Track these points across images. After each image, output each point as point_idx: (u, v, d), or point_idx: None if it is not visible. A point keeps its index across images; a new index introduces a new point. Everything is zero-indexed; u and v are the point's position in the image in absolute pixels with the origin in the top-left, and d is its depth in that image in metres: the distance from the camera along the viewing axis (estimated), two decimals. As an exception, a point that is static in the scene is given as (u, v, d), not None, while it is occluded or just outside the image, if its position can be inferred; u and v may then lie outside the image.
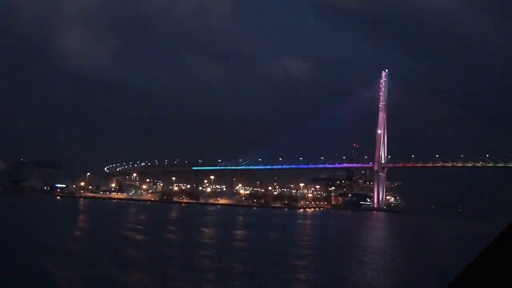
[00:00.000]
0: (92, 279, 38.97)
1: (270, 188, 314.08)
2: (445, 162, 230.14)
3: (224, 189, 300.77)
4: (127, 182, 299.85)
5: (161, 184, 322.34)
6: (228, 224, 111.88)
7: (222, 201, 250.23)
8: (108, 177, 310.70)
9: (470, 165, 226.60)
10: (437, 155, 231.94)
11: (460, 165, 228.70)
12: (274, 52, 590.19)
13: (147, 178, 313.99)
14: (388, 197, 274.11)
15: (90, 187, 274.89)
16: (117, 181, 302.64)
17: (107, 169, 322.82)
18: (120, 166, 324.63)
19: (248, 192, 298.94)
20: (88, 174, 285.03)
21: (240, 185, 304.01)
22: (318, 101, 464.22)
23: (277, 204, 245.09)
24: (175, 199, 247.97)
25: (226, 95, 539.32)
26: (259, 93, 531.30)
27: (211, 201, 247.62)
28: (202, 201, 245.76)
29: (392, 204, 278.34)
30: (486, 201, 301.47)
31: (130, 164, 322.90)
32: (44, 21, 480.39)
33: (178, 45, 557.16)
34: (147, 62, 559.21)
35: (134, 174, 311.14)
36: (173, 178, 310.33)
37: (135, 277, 39.98)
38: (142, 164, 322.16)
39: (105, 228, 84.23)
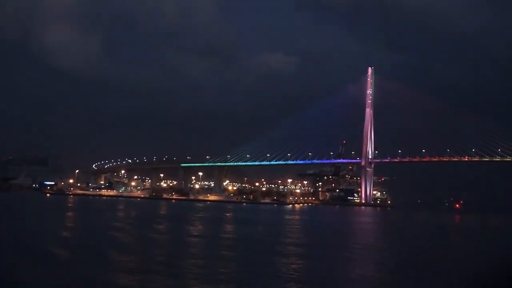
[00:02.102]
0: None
1: (258, 184, 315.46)
2: (431, 157, 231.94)
3: (212, 185, 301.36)
4: (115, 179, 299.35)
5: (149, 181, 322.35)
6: (219, 219, 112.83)
7: (211, 197, 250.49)
8: (97, 174, 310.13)
9: (456, 159, 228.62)
10: (423, 150, 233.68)
11: (446, 159, 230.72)
12: (258, 47, 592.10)
13: (135, 175, 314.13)
14: (374, 192, 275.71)
15: (78, 184, 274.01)
16: (105, 178, 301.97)
17: (95, 166, 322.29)
18: (108, 163, 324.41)
19: (236, 188, 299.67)
20: (77, 171, 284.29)
21: (227, 181, 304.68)
22: (304, 96, 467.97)
23: (266, 200, 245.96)
24: (164, 195, 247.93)
25: (211, 91, 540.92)
26: (245, 89, 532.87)
27: (200, 197, 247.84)
28: (192, 197, 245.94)
29: (379, 200, 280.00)
30: (474, 195, 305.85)
31: (118, 161, 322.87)
32: (26, 16, 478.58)
33: (161, 41, 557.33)
34: (131, 59, 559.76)
35: (122, 171, 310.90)
36: (161, 175, 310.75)
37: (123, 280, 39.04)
38: (130, 161, 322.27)
39: (97, 225, 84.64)
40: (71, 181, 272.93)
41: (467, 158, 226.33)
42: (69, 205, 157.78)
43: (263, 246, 64.31)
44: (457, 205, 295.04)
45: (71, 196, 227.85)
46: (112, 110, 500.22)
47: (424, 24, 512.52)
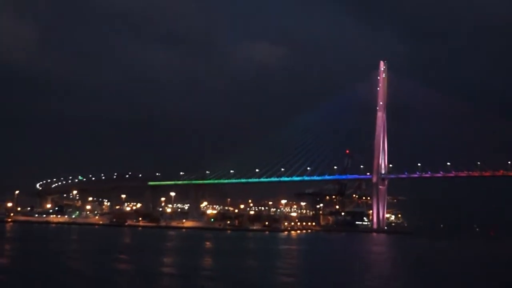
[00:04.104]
0: None
1: (243, 206, 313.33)
2: (458, 171, 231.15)
3: (187, 208, 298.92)
4: (66, 202, 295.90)
5: (108, 203, 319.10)
6: (195, 251, 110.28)
7: (188, 223, 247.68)
8: (42, 195, 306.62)
9: (489, 174, 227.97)
10: (448, 163, 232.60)
11: (477, 174, 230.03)
12: (238, 35, 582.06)
13: (90, 196, 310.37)
14: (388, 215, 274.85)
15: (19, 208, 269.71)
16: (53, 200, 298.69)
17: (39, 185, 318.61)
18: (57, 181, 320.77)
19: (217, 212, 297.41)
20: (17, 192, 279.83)
21: (206, 203, 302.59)
22: (299, 97, 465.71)
23: (255, 227, 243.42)
24: (129, 222, 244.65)
25: (182, 89, 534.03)
26: (222, 87, 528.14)
27: (174, 223, 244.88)
28: (163, 224, 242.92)
29: (393, 224, 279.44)
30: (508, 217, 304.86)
31: (69, 180, 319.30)
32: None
33: (118, 29, 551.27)
34: (82, 52, 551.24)
35: (74, 192, 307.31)
36: (123, 196, 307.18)
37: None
38: (84, 179, 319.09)
39: (42, 262, 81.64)
40: (9, 204, 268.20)
41: (502, 173, 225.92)
42: (7, 235, 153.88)
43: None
44: (492, 232, 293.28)
45: (10, 223, 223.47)
46: (58, 115, 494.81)
47: (452, 9, 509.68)
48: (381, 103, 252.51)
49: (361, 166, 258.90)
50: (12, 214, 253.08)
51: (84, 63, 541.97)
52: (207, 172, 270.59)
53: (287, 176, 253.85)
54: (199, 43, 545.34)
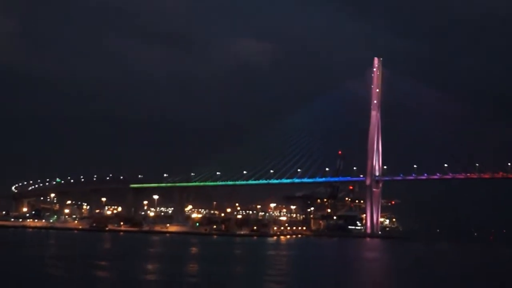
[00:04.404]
0: None
1: (230, 210, 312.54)
2: (456, 173, 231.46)
3: (171, 212, 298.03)
4: (43, 205, 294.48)
5: (88, 207, 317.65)
6: (180, 257, 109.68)
7: (172, 228, 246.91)
8: (18, 199, 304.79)
9: (488, 176, 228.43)
10: (445, 165, 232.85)
11: (475, 176, 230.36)
12: (227, 32, 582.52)
13: (69, 200, 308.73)
14: (382, 219, 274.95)
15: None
16: (29, 204, 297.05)
17: (15, 188, 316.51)
18: (33, 184, 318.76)
19: (202, 216, 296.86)
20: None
21: (191, 207, 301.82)
22: (289, 95, 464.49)
23: (243, 231, 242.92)
24: (110, 226, 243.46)
25: (168, 87, 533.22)
26: (210, 84, 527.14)
27: (157, 228, 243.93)
28: (146, 228, 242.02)
29: (388, 228, 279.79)
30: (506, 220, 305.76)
31: (47, 182, 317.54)
32: None
33: (104, 25, 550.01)
34: (65, 48, 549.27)
35: (52, 195, 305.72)
36: (104, 199, 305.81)
37: None
38: (62, 181, 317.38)
39: (18, 267, 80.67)
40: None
41: (502, 175, 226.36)
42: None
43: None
44: (492, 236, 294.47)
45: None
46: (36, 112, 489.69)
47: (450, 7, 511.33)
48: (375, 101, 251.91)
49: (354, 168, 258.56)
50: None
51: (68, 58, 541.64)
52: (192, 174, 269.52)
53: (276, 178, 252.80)
54: (184, 40, 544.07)
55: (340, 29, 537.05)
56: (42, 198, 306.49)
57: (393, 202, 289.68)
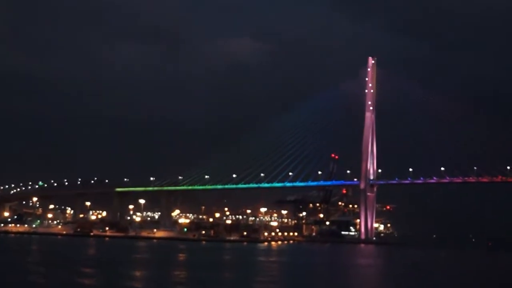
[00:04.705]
0: None
1: (219, 215, 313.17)
2: (453, 177, 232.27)
3: (158, 217, 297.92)
4: (25, 210, 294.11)
5: (72, 211, 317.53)
6: (165, 262, 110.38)
7: (159, 233, 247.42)
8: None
9: (486, 180, 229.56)
10: (442, 168, 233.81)
11: (473, 180, 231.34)
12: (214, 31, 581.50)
13: (52, 204, 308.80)
14: (376, 225, 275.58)
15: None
16: (11, 208, 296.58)
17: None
18: (15, 187, 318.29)
19: (190, 221, 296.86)
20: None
21: (178, 211, 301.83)
22: (281, 96, 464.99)
23: (233, 237, 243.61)
24: (94, 231, 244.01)
25: (153, 88, 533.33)
26: (199, 86, 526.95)
27: (144, 234, 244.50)
28: (132, 234, 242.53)
29: (382, 234, 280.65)
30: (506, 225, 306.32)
31: (29, 185, 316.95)
32: None
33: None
34: (45, 46, 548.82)
35: (34, 199, 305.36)
36: (88, 203, 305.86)
37: None
38: (45, 184, 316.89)
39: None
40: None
41: (501, 179, 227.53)
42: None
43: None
44: (490, 242, 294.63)
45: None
46: (17, 113, 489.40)
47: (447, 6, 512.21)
48: (369, 102, 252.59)
49: (348, 171, 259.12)
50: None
51: (50, 57, 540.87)
52: (179, 177, 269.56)
53: (267, 182, 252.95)
54: (172, 38, 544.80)
55: (339, 29, 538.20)
56: (24, 202, 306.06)
57: (388, 207, 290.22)
